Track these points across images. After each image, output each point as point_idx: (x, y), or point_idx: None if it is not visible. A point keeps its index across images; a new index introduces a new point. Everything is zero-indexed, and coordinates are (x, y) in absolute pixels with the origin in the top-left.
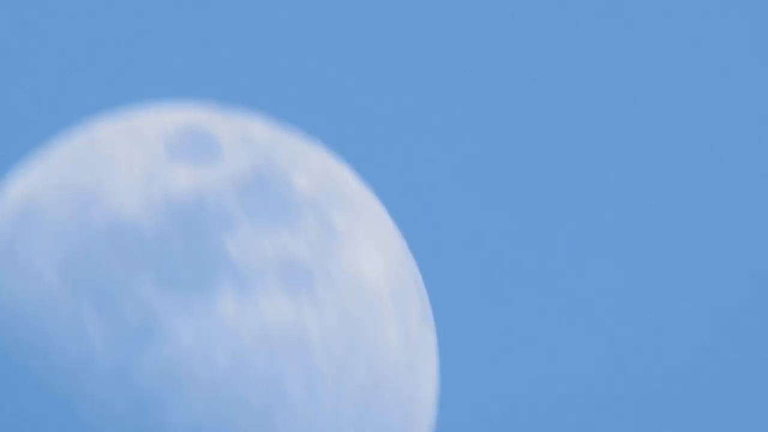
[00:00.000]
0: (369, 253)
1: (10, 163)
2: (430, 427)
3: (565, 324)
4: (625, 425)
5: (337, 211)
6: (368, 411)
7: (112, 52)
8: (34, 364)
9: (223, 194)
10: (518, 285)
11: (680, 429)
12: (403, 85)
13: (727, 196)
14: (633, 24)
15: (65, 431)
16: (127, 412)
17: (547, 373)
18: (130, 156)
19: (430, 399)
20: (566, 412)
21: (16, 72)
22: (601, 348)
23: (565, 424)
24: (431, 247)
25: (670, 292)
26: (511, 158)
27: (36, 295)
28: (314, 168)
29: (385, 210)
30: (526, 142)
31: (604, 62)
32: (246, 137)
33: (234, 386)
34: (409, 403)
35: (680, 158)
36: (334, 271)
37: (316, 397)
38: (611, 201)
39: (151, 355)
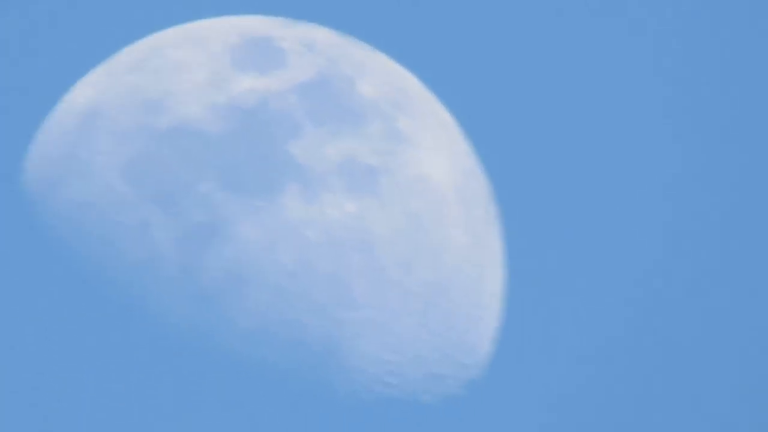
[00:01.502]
0: (434, 157)
1: (78, 72)
2: (495, 326)
3: (629, 243)
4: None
5: (401, 116)
6: (433, 308)
7: None
8: (103, 264)
9: (287, 100)
10: (585, 195)
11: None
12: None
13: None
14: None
15: (134, 330)
16: (193, 311)
17: (609, 287)
18: (194, 63)
19: (496, 299)
20: (632, 332)
21: None
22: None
23: (632, 348)
24: (498, 153)
25: None
26: (579, 68)
27: (101, 198)
28: (379, 75)
29: (451, 116)
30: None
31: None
32: (311, 45)
33: (299, 285)
34: (475, 301)
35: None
36: (399, 173)
37: (381, 295)
38: None
39: (215, 255)
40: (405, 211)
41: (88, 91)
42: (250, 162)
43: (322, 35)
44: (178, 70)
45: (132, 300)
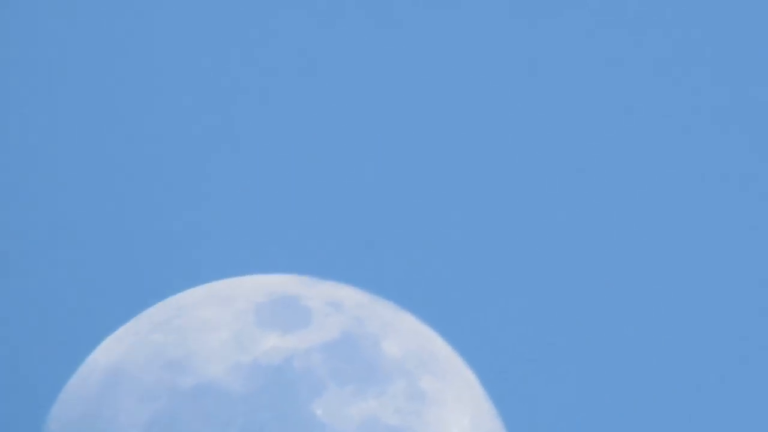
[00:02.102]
0: (456, 416)
1: (102, 332)
2: None
3: None
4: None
5: (425, 375)
6: None
7: (205, 228)
8: None
9: (312, 358)
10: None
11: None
12: (494, 253)
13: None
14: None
15: None
16: None
17: None
18: (219, 322)
19: None
20: None
21: (110, 245)
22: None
23: None
24: (521, 413)
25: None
26: (589, 335)
27: None
28: (404, 334)
29: (474, 376)
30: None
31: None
32: (336, 304)
33: None
34: None
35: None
36: None
37: None
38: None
39: None
40: None
41: (112, 350)
42: (273, 421)
43: (348, 294)
44: (203, 329)
45: None
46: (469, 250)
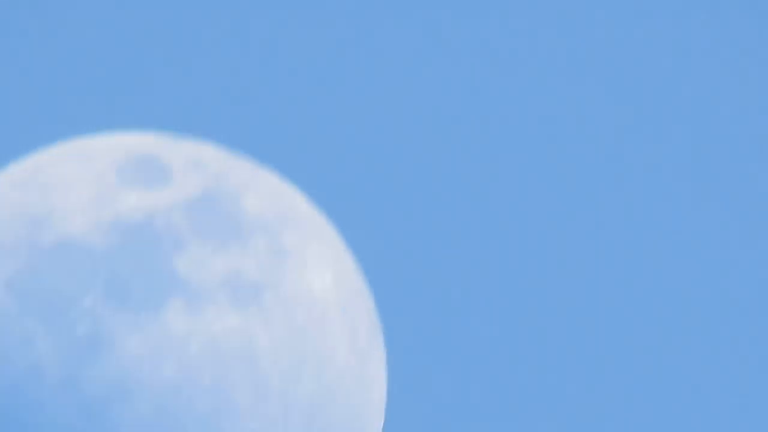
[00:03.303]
0: (318, 271)
1: None
2: None
3: (519, 331)
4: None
5: (286, 231)
6: (316, 422)
7: (60, 83)
8: None
9: (173, 215)
10: (469, 300)
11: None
12: (357, 108)
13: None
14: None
15: None
16: (76, 423)
17: (497, 383)
18: (79, 180)
19: (379, 412)
20: (520, 418)
21: None
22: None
23: None
24: (382, 266)
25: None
26: (466, 171)
27: None
28: (265, 191)
29: (335, 231)
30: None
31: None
32: (197, 162)
33: (182, 396)
34: (358, 415)
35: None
36: (283, 287)
37: (263, 407)
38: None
39: (99, 368)
40: (288, 325)
41: None
42: (135, 277)
43: (208, 152)
44: (63, 187)
45: (14, 412)
46: (332, 106)
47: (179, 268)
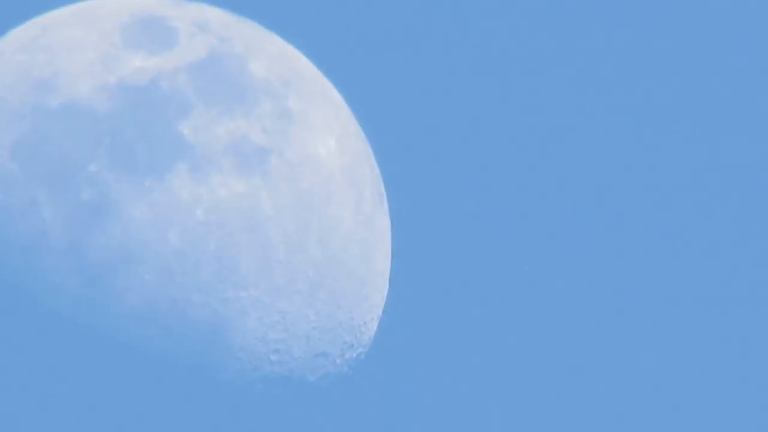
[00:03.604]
0: (323, 137)
1: None
2: (381, 305)
3: (518, 212)
4: None
5: (292, 95)
6: (320, 285)
7: None
8: None
9: (178, 78)
10: (470, 172)
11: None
12: None
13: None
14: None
15: (19, 306)
16: (80, 288)
17: (494, 256)
18: (85, 42)
19: (383, 277)
20: (512, 302)
21: None
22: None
23: (515, 307)
24: (387, 132)
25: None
26: (471, 50)
27: None
28: (270, 54)
29: (341, 96)
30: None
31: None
32: (203, 25)
33: (187, 264)
34: (362, 279)
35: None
36: (288, 153)
37: (269, 274)
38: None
39: (104, 234)
40: (294, 190)
41: None
42: (140, 141)
43: (214, 14)
44: (69, 49)
45: (19, 277)
46: None
47: (184, 132)
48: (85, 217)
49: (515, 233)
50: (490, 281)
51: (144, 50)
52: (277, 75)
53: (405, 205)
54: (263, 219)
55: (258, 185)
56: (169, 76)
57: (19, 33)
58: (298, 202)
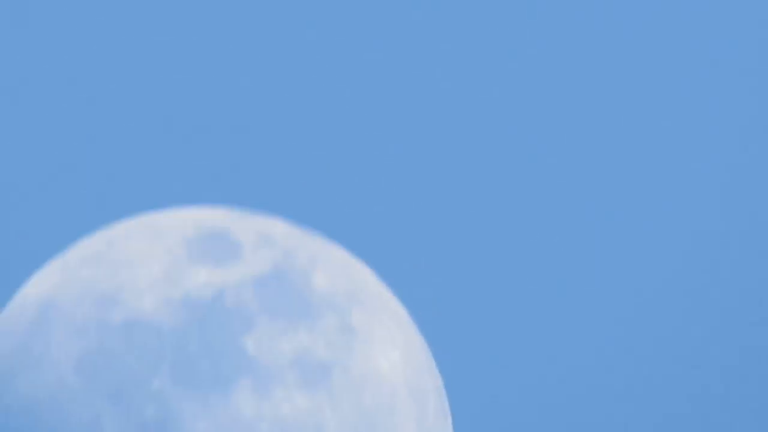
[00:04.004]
0: (386, 351)
1: (32, 266)
2: None
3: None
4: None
5: (355, 309)
6: None
7: (131, 161)
8: None
9: (242, 293)
10: (530, 381)
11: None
12: (423, 189)
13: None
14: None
15: None
16: None
17: None
18: (149, 256)
19: None
20: None
21: (37, 179)
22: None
23: None
24: (450, 345)
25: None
26: (526, 259)
27: (53, 392)
28: (334, 267)
29: (404, 309)
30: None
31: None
32: (267, 238)
33: None
34: None
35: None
36: (352, 367)
37: None
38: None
39: None
40: (357, 405)
41: (42, 284)
42: (204, 356)
43: (277, 227)
44: (133, 263)
45: None
46: (402, 185)
47: (248, 347)
48: None
49: None
50: None
51: (208, 264)
52: (341, 288)
53: (470, 417)
54: None
55: (322, 401)
56: (233, 290)
57: (84, 246)
58: (361, 418)
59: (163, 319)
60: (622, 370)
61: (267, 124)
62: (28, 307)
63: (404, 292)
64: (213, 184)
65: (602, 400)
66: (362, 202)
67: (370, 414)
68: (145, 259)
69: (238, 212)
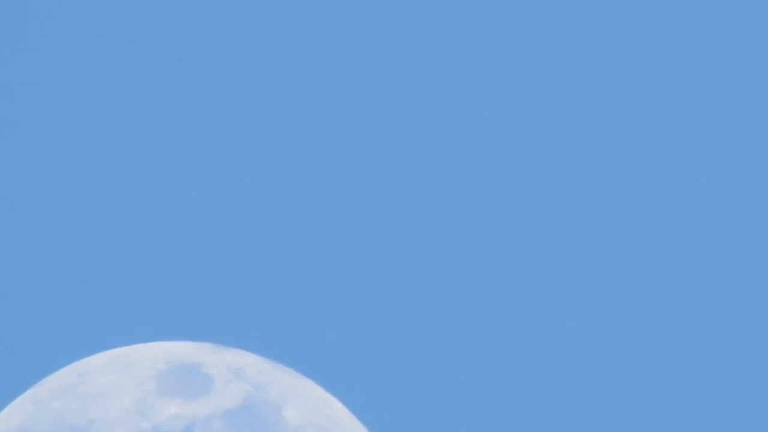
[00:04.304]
0: None
1: (3, 399)
2: None
3: None
4: None
5: None
6: None
7: (103, 293)
8: None
9: (213, 425)
10: None
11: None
12: (397, 320)
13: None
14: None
15: None
16: None
17: None
18: (120, 389)
19: None
20: None
21: (8, 314)
22: None
23: None
24: None
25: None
26: (509, 396)
27: None
28: (304, 400)
29: None
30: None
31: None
32: (238, 371)
33: None
34: None
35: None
36: None
37: None
38: None
39: None
40: None
41: (13, 417)
42: None
43: (249, 361)
44: (104, 396)
45: None
46: (370, 320)
47: None
48: None
49: None
50: None
51: (179, 397)
52: (311, 421)
53: None
54: None
55: None
56: (203, 422)
57: (55, 379)
58: None
59: None
60: None
61: (241, 256)
62: None
63: (378, 427)
64: (185, 318)
65: None
66: (335, 337)
67: None
68: (116, 392)
69: (210, 346)
